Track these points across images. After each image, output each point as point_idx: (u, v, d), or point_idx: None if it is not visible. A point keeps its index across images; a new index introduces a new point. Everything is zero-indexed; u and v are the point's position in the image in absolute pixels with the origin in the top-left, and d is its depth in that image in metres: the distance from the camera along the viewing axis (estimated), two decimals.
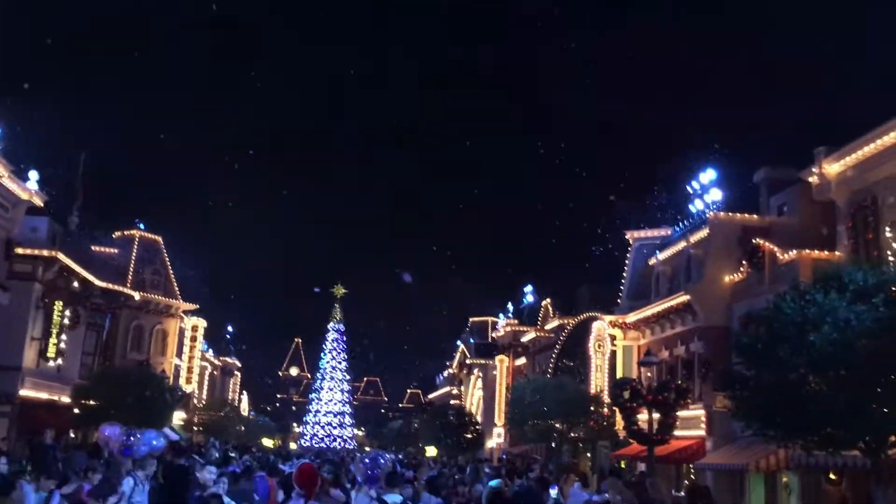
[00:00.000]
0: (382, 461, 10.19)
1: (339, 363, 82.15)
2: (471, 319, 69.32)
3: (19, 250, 29.56)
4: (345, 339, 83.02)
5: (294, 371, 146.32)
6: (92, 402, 28.90)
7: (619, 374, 31.59)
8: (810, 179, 22.24)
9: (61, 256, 30.65)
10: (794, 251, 22.19)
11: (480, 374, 58.56)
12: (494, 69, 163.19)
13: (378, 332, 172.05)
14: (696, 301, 26.50)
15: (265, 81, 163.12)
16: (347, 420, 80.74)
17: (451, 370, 72.56)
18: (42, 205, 30.49)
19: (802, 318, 13.01)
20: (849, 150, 20.69)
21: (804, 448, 14.62)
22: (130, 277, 41.68)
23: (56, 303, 31.13)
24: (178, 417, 43.80)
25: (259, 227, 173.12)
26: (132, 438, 12.92)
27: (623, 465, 28.91)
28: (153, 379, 31.91)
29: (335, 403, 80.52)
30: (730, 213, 27.10)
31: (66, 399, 31.04)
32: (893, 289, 12.90)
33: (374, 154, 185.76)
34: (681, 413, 22.19)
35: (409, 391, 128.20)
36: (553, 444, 34.53)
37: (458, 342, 68.91)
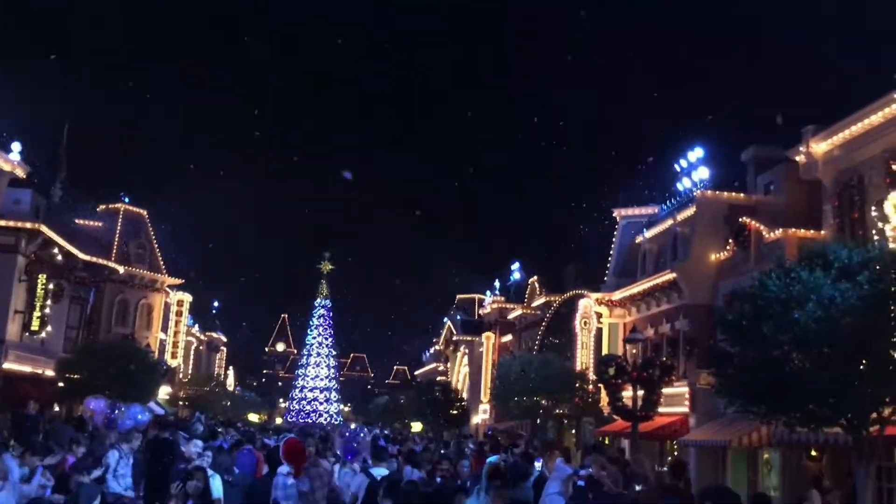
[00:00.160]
0: (362, 435, 10.24)
1: (326, 339, 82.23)
2: (458, 296, 69.51)
3: (2, 222, 29.36)
4: (331, 315, 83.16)
5: (280, 346, 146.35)
6: (76, 376, 28.82)
7: (604, 352, 31.78)
8: (797, 158, 22.28)
9: (44, 229, 30.39)
10: (780, 230, 22.29)
11: (467, 351, 58.75)
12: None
13: (365, 308, 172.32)
14: (681, 279, 26.61)
15: (255, 55, 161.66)
16: (333, 396, 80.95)
17: (437, 347, 72.78)
18: (25, 176, 30.15)
19: (787, 295, 13.01)
20: (836, 129, 20.71)
21: (787, 425, 14.70)
22: (115, 251, 41.43)
23: (39, 276, 30.89)
24: (164, 392, 43.76)
25: (246, 202, 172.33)
26: (117, 412, 12.92)
27: (606, 441, 29.18)
28: (138, 353, 31.91)
29: (321, 379, 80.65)
30: (717, 192, 27.18)
31: (50, 372, 30.93)
32: (878, 267, 12.92)
33: (370, 144, 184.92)
34: (665, 390, 22.41)
35: (395, 367, 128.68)
36: (538, 421, 34.77)
37: (445, 319, 69.07)
